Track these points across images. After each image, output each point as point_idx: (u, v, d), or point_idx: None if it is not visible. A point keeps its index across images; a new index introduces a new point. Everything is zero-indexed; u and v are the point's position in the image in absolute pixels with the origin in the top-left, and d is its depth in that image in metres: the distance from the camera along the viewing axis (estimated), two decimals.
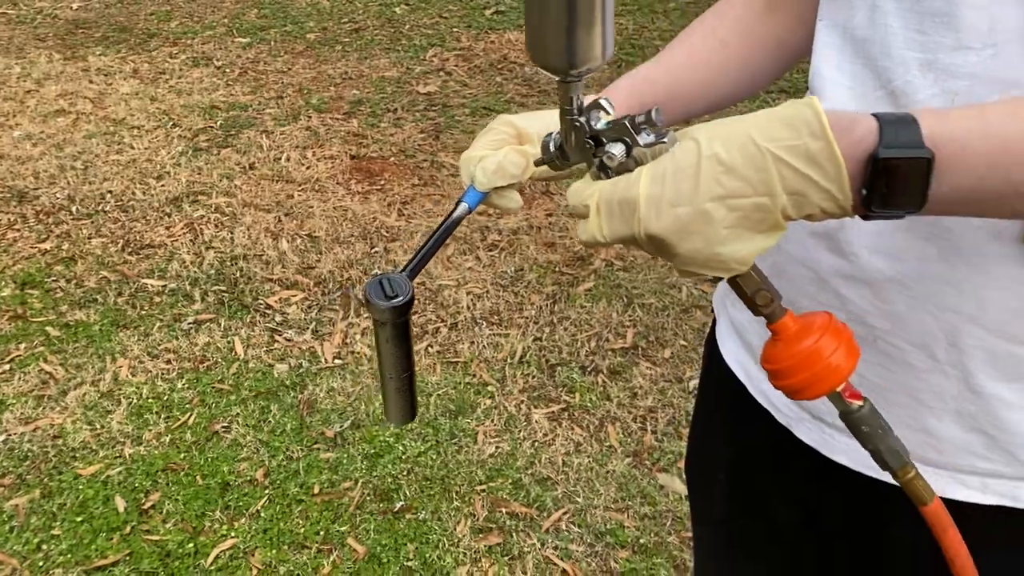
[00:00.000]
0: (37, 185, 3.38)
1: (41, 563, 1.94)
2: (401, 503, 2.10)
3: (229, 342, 2.60)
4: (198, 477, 2.16)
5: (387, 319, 0.73)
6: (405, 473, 2.18)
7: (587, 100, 0.63)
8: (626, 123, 0.60)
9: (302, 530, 2.03)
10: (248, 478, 2.16)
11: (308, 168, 3.52)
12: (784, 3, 0.86)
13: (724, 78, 0.88)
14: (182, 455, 2.22)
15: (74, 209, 3.23)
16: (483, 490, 2.13)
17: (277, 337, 2.63)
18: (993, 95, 0.62)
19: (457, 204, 0.79)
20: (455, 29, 5.01)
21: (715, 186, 0.56)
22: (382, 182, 3.44)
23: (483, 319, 2.70)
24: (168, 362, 2.52)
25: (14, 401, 2.37)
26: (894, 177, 0.54)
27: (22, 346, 2.57)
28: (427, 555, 1.97)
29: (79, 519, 2.04)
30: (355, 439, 2.27)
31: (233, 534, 2.01)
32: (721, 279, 0.62)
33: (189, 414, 2.35)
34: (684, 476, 1.58)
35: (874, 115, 0.55)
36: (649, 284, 2.84)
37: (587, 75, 0.59)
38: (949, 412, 0.72)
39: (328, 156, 3.62)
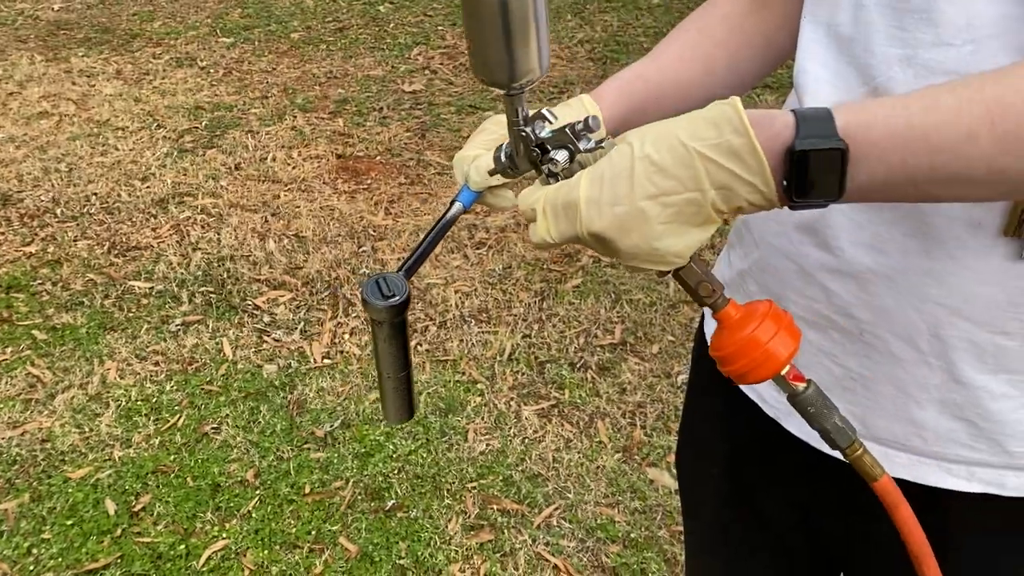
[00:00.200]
0: (21, 188, 3.36)
1: (32, 567, 1.93)
2: (392, 501, 2.10)
3: (217, 343, 2.60)
4: (188, 479, 2.16)
5: (384, 318, 0.74)
6: (396, 471, 2.18)
7: (531, 111, 0.68)
8: (567, 131, 0.65)
9: (294, 530, 2.03)
10: (239, 479, 2.16)
11: (294, 168, 3.52)
12: (771, 1, 0.88)
13: (713, 76, 0.90)
14: (172, 457, 2.22)
15: (59, 211, 3.22)
16: (474, 487, 2.14)
17: (265, 338, 2.62)
18: None
19: (451, 204, 0.80)
20: (440, 27, 5.01)
21: (648, 185, 0.59)
22: (369, 181, 3.43)
23: (472, 317, 2.71)
24: (156, 364, 2.52)
25: (1, 405, 2.36)
26: (811, 168, 0.56)
27: (8, 350, 2.56)
28: (419, 553, 1.97)
29: (69, 522, 2.04)
30: (345, 438, 2.28)
31: (225, 535, 2.01)
32: (667, 273, 0.65)
33: (178, 416, 2.34)
34: (674, 471, 1.59)
35: (792, 111, 0.58)
36: (636, 280, 2.85)
37: (528, 87, 0.64)
38: (933, 402, 0.73)
39: (314, 156, 3.61)
